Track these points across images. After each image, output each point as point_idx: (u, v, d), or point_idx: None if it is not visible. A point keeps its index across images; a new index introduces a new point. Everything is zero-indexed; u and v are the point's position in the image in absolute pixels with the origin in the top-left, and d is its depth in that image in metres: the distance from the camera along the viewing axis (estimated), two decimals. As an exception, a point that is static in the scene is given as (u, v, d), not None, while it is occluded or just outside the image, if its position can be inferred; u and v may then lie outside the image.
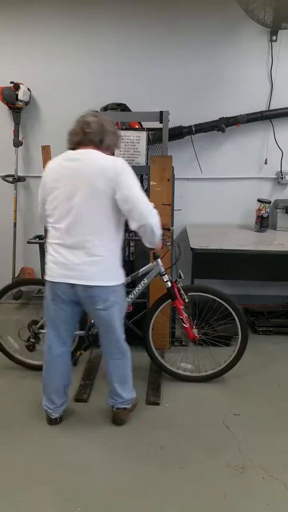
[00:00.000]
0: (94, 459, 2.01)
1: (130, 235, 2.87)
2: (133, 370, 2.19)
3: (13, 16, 3.20)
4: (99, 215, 1.84)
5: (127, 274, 2.96)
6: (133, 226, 1.86)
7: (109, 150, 1.95)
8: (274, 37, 3.11)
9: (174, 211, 2.74)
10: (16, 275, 3.62)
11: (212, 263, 2.91)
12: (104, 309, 1.93)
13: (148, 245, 2.01)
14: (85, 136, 1.88)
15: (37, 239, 3.26)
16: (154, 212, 1.87)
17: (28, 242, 3.26)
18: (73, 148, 1.92)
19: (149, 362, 2.81)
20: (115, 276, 1.94)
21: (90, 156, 1.85)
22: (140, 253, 2.90)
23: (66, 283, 1.88)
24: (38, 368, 2.66)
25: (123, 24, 3.17)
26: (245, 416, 2.32)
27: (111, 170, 1.80)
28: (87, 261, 1.85)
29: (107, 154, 1.91)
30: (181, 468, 1.96)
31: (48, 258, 1.94)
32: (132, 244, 2.92)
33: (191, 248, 2.81)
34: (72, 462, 2.00)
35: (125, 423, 2.22)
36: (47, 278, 1.94)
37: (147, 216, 1.84)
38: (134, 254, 2.95)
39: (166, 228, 2.56)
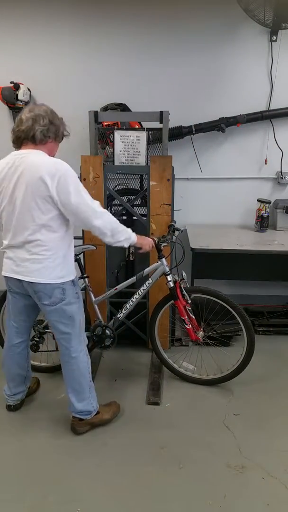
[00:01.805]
0: (94, 459, 2.02)
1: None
2: (133, 370, 2.19)
3: (13, 16, 3.20)
4: (38, 218, 1.84)
5: (126, 274, 3.01)
6: (82, 228, 1.92)
7: (50, 144, 1.93)
8: (274, 37, 3.11)
9: (174, 211, 2.74)
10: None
11: (212, 263, 2.91)
12: (50, 304, 1.97)
13: (120, 245, 2.04)
14: (19, 134, 1.89)
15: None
16: (99, 212, 1.89)
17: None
18: (17, 147, 1.94)
19: (149, 362, 2.81)
20: (60, 274, 1.94)
21: (28, 159, 1.84)
22: (139, 253, 2.90)
23: (15, 278, 1.96)
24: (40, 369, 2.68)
25: (123, 24, 3.16)
26: (245, 416, 2.32)
27: (49, 176, 1.79)
28: (29, 258, 1.91)
29: (49, 150, 1.93)
30: (181, 468, 1.97)
31: (4, 254, 2.02)
32: (132, 244, 2.91)
33: (191, 248, 2.81)
34: (72, 462, 2.00)
35: (79, 434, 2.16)
36: (2, 272, 2.04)
37: (90, 219, 1.87)
38: (134, 254, 2.95)
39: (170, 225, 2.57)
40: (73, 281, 2.02)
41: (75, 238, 2.90)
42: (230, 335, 2.93)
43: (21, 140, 1.90)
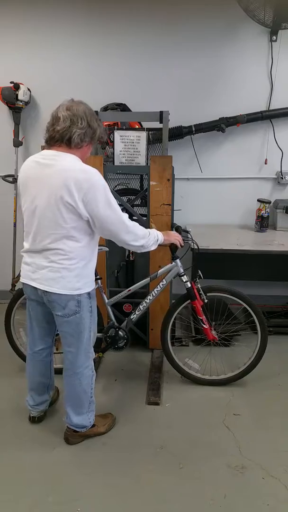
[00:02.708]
0: (94, 459, 2.02)
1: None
2: (133, 370, 2.19)
3: (13, 16, 3.21)
4: (60, 227, 1.73)
5: (127, 274, 3.02)
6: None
7: (84, 148, 1.80)
8: (274, 37, 3.11)
9: (174, 211, 2.74)
10: (16, 275, 3.62)
11: (212, 263, 2.91)
12: (63, 316, 1.87)
13: (144, 250, 1.98)
14: (55, 134, 1.74)
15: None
16: (129, 226, 1.81)
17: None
18: (48, 147, 1.80)
19: (149, 362, 2.81)
20: (77, 285, 1.83)
21: (58, 163, 1.71)
22: (140, 252, 2.90)
23: (31, 285, 1.88)
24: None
25: (123, 24, 3.17)
26: (245, 416, 2.32)
27: (76, 185, 1.66)
28: (46, 266, 1.81)
29: (82, 154, 1.80)
30: (181, 468, 1.96)
31: (22, 258, 1.96)
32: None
33: (191, 248, 2.81)
34: (72, 462, 2.00)
35: (72, 444, 2.09)
36: (20, 278, 1.98)
37: (118, 234, 1.79)
38: (134, 254, 2.95)
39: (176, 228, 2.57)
40: (89, 293, 1.90)
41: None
42: (232, 335, 2.93)
43: (54, 140, 1.75)
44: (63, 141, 1.73)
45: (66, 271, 1.80)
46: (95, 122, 1.79)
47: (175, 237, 2.18)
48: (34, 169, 1.78)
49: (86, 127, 1.74)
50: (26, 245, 1.88)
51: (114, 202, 1.74)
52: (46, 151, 1.79)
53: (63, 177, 1.68)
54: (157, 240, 2.00)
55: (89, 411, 2.07)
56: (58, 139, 1.73)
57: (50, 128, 1.75)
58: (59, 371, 2.65)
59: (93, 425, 2.11)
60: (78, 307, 1.86)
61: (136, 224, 1.86)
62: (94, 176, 1.70)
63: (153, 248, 1.98)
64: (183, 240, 2.44)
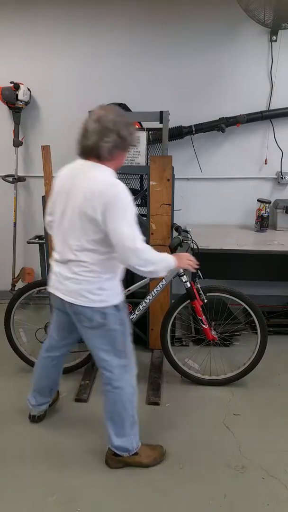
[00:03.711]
0: (94, 459, 2.01)
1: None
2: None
3: (13, 16, 3.20)
4: (83, 239, 1.69)
5: (126, 274, 3.00)
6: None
7: (116, 158, 1.75)
8: (274, 37, 3.11)
9: (174, 211, 2.74)
10: (16, 275, 3.62)
11: (212, 263, 2.91)
12: (90, 327, 1.82)
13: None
14: (84, 149, 1.71)
15: (37, 239, 3.26)
16: (140, 250, 1.65)
17: (28, 242, 3.27)
18: (79, 155, 1.78)
19: (149, 362, 2.81)
20: (100, 297, 1.76)
21: (85, 174, 1.70)
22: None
23: (57, 295, 1.85)
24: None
25: (123, 24, 3.16)
26: (245, 416, 2.32)
27: (98, 197, 1.62)
28: (70, 277, 1.77)
29: (114, 163, 1.76)
30: (181, 468, 1.97)
31: (51, 268, 1.91)
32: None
33: (191, 248, 2.81)
34: (72, 462, 2.00)
35: (112, 468, 1.96)
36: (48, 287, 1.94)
37: (128, 257, 1.65)
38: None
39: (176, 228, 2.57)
40: (116, 306, 1.81)
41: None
42: (232, 335, 2.93)
43: (85, 155, 1.72)
44: (92, 156, 1.70)
45: (87, 283, 1.75)
46: (125, 129, 1.70)
47: (188, 262, 2.00)
48: (66, 179, 1.77)
49: (115, 139, 1.67)
50: (54, 254, 1.85)
51: (130, 220, 1.64)
52: (79, 161, 1.77)
53: (87, 188, 1.65)
54: (168, 267, 1.83)
55: (132, 434, 1.94)
56: (88, 153, 1.71)
57: (80, 142, 1.72)
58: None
59: (136, 453, 1.96)
60: (104, 319, 1.79)
61: (149, 248, 1.71)
62: (116, 188, 1.64)
63: (161, 275, 1.81)
64: (183, 241, 2.44)
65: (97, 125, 1.66)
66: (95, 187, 1.64)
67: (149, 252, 1.70)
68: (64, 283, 1.80)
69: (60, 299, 1.83)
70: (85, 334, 1.87)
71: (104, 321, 1.79)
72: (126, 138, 1.71)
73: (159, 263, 1.74)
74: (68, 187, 1.74)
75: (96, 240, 1.69)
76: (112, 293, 1.80)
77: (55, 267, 1.85)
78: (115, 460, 1.96)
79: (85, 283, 1.75)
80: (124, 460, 1.96)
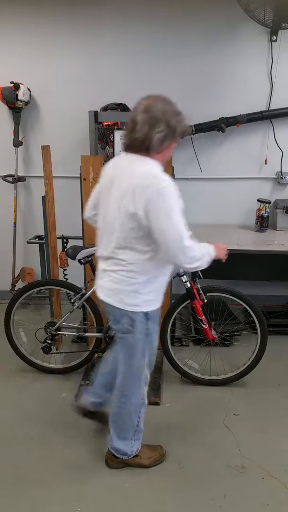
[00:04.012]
0: (94, 459, 2.01)
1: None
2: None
3: (13, 16, 3.20)
4: (123, 236, 1.61)
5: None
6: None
7: (165, 150, 1.64)
8: (274, 37, 3.11)
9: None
10: (16, 275, 3.62)
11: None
12: (118, 331, 1.77)
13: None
14: (132, 142, 1.60)
15: (37, 239, 3.26)
16: (187, 248, 1.57)
17: (28, 242, 3.26)
18: (125, 149, 1.68)
19: (149, 362, 2.81)
20: (132, 301, 1.68)
21: (129, 167, 1.61)
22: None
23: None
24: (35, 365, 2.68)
25: (123, 24, 3.16)
26: (245, 416, 2.32)
27: (139, 191, 1.53)
28: (108, 275, 1.71)
29: (162, 155, 1.65)
30: (181, 468, 1.96)
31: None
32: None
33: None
34: (72, 462, 2.00)
35: (112, 468, 1.96)
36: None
37: (175, 256, 1.58)
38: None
39: None
40: (147, 314, 1.71)
41: (75, 238, 2.94)
42: (232, 335, 2.93)
43: (134, 149, 1.61)
44: (142, 149, 1.59)
45: (123, 283, 1.66)
46: (174, 118, 1.58)
47: (224, 252, 1.90)
48: (110, 173, 1.71)
49: (165, 129, 1.56)
50: (98, 250, 1.79)
51: (177, 217, 1.54)
52: (124, 155, 1.67)
53: (130, 183, 1.56)
54: (210, 256, 1.74)
55: (134, 439, 1.93)
56: (137, 147, 1.60)
57: (128, 135, 1.61)
58: (57, 371, 2.68)
59: (136, 455, 1.96)
60: (131, 326, 1.70)
61: (195, 244, 1.62)
62: (161, 183, 1.53)
63: (203, 267, 1.73)
64: None
65: (145, 115, 1.55)
66: (138, 181, 1.55)
67: (196, 249, 1.62)
68: (103, 280, 1.74)
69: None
70: (116, 336, 1.83)
71: (130, 328, 1.71)
72: (175, 128, 1.59)
73: (204, 257, 1.68)
74: (111, 181, 1.67)
75: (137, 238, 1.60)
76: (147, 299, 1.70)
77: (99, 263, 1.78)
78: (115, 461, 1.96)
79: (121, 283, 1.67)
80: (124, 461, 1.96)
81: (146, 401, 1.92)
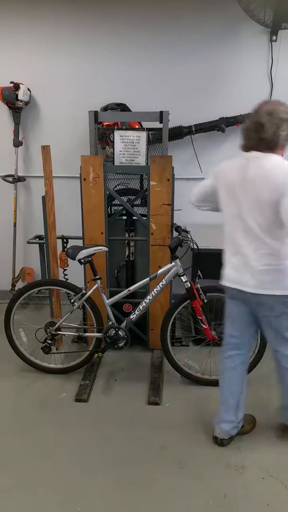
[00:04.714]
0: (94, 459, 2.02)
1: (130, 235, 2.87)
2: (133, 370, 2.18)
3: (13, 16, 3.20)
4: (267, 224, 1.76)
5: (127, 274, 3.02)
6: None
7: (285, 147, 1.81)
8: (274, 37, 3.11)
9: (174, 211, 2.74)
10: (16, 275, 3.62)
11: (212, 263, 2.90)
12: (273, 316, 1.88)
13: None
14: (259, 142, 1.76)
15: (37, 239, 3.25)
16: None
17: (28, 242, 3.26)
18: (246, 149, 1.83)
19: (149, 362, 2.81)
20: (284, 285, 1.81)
21: (263, 165, 1.75)
22: (140, 252, 2.91)
23: (238, 289, 1.91)
24: (31, 363, 2.69)
25: (123, 24, 3.16)
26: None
27: (281, 185, 1.68)
28: (257, 268, 1.83)
29: (282, 152, 1.80)
30: (181, 468, 1.96)
31: (225, 261, 1.99)
32: (132, 244, 2.92)
33: (191, 248, 2.80)
34: (72, 462, 2.00)
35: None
36: (223, 282, 2.00)
37: None
38: (134, 254, 2.95)
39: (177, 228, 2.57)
40: None
41: (75, 238, 2.94)
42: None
43: (260, 148, 1.77)
44: (269, 147, 1.76)
45: (276, 271, 1.80)
46: None
47: None
48: (239, 173, 1.81)
49: (287, 129, 1.74)
50: (229, 245, 1.96)
51: None
52: (248, 154, 1.81)
53: (270, 177, 1.71)
54: None
55: None
56: (265, 145, 1.76)
57: (254, 136, 1.77)
58: (57, 371, 2.68)
59: None
60: (286, 307, 1.86)
61: None
62: None
63: None
64: (183, 241, 2.44)
65: (270, 117, 1.73)
66: (282, 175, 1.69)
67: None
68: (245, 276, 1.85)
69: (238, 290, 1.90)
70: (267, 321, 1.93)
71: (286, 310, 1.85)
72: None
73: None
74: (244, 180, 1.78)
75: (280, 225, 1.72)
76: None
77: (235, 260, 1.92)
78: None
79: (273, 271, 1.80)
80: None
81: None
